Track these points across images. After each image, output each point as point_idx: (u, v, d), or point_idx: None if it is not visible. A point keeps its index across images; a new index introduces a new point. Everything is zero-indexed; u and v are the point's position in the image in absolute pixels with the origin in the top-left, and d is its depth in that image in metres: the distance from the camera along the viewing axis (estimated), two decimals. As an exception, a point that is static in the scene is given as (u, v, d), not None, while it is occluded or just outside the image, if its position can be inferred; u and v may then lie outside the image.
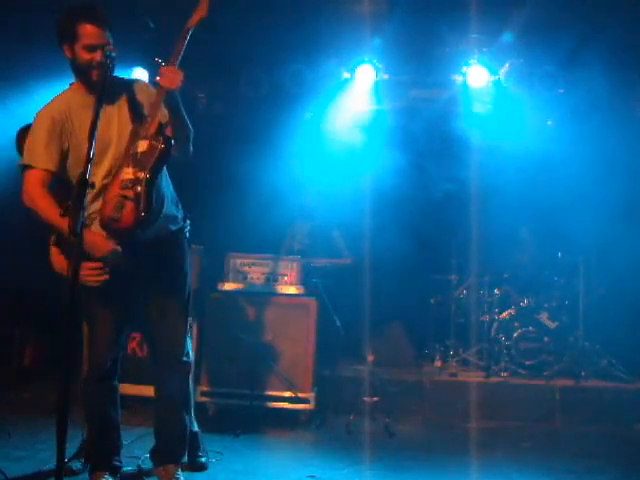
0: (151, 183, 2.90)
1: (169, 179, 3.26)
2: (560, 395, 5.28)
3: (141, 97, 3.12)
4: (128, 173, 2.92)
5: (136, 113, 3.07)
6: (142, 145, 2.93)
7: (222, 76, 6.69)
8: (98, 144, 2.83)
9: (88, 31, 2.91)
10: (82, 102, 3.02)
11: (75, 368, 2.37)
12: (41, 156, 2.98)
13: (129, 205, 2.86)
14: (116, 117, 3.07)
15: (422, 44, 5.93)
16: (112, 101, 3.06)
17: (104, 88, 2.77)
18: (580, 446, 4.55)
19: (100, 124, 2.87)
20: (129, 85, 3.16)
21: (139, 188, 2.87)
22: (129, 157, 2.95)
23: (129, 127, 3.03)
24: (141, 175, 2.89)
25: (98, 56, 2.92)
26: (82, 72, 2.99)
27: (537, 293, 5.99)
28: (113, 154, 3.05)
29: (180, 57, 2.98)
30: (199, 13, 3.04)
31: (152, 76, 5.03)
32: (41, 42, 4.97)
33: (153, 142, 2.91)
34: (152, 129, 2.94)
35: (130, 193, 2.87)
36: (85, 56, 2.94)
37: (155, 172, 2.93)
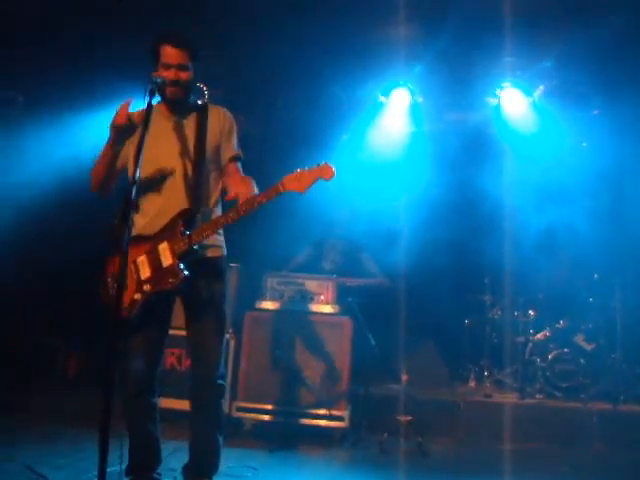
0: (151, 296, 3.06)
1: (219, 203, 3.34)
2: (598, 419, 5.18)
3: (214, 125, 3.26)
4: (143, 264, 3.09)
5: (202, 141, 3.21)
6: (166, 257, 3.05)
7: (260, 98, 6.84)
8: (156, 172, 3.10)
9: (166, 51, 3.13)
10: (156, 119, 3.13)
11: (117, 381, 2.44)
12: None
13: (125, 299, 2.96)
14: (178, 146, 3.21)
15: (456, 67, 5.98)
16: (180, 127, 3.22)
17: (149, 114, 2.89)
18: (618, 471, 4.47)
19: (159, 151, 3.12)
20: (203, 110, 3.29)
21: (138, 296, 3.04)
22: (151, 249, 3.09)
23: (191, 157, 3.18)
24: (147, 287, 3.06)
25: (172, 74, 3.11)
26: (159, 92, 3.14)
27: (572, 314, 5.92)
28: (172, 184, 3.19)
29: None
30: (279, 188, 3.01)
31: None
32: (101, 73, 5.25)
33: (173, 273, 3.02)
34: (184, 247, 3.04)
35: (130, 289, 3.02)
36: (162, 74, 3.13)
37: (159, 292, 3.07)
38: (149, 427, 3.27)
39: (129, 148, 3.20)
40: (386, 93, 6.60)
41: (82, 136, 5.89)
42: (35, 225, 5.76)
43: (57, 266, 6.03)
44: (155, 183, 3.18)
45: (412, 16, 5.48)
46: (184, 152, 3.21)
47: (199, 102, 3.39)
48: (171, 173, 3.19)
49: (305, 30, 5.63)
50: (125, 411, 3.22)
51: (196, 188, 3.18)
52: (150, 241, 3.14)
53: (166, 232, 3.12)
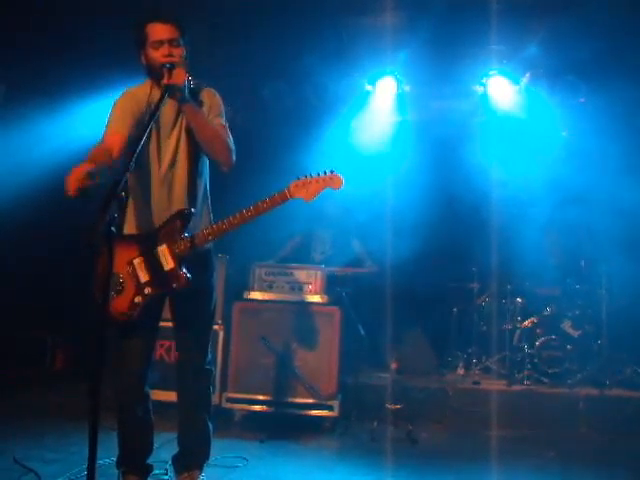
0: (152, 298, 3.00)
1: (209, 199, 3.30)
2: (584, 404, 5.25)
3: (204, 108, 3.13)
4: (140, 266, 3.00)
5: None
6: (167, 260, 2.98)
7: (246, 88, 6.80)
8: (150, 165, 3.00)
9: (154, 29, 2.99)
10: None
11: (106, 372, 2.43)
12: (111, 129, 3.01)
13: (125, 301, 2.96)
14: (175, 137, 3.11)
15: (443, 56, 5.98)
16: (176, 116, 3.10)
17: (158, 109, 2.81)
18: (604, 456, 4.53)
19: (154, 142, 3.02)
20: (196, 94, 3.13)
21: (139, 299, 2.97)
22: (148, 250, 3.00)
23: (187, 150, 3.09)
24: (148, 291, 2.98)
25: (165, 50, 2.97)
26: (152, 74, 3.04)
27: (560, 301, 5.97)
28: (167, 179, 3.11)
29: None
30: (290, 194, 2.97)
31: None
32: (86, 61, 5.20)
33: (176, 277, 2.97)
34: (185, 251, 2.99)
35: (129, 292, 2.97)
36: (153, 54, 3.00)
37: (161, 294, 3.04)
38: (143, 416, 3.26)
39: (136, 128, 2.98)
40: (373, 82, 6.59)
41: (67, 126, 5.84)
42: (22, 218, 5.71)
43: (44, 259, 5.99)
44: (148, 178, 3.09)
45: (398, 4, 5.47)
46: (179, 144, 3.12)
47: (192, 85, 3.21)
48: (166, 167, 3.11)
49: (291, 18, 5.59)
50: (119, 402, 3.20)
51: (191, 184, 3.11)
52: (145, 241, 3.05)
53: (163, 233, 3.03)
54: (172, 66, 2.92)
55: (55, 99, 5.85)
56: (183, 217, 3.04)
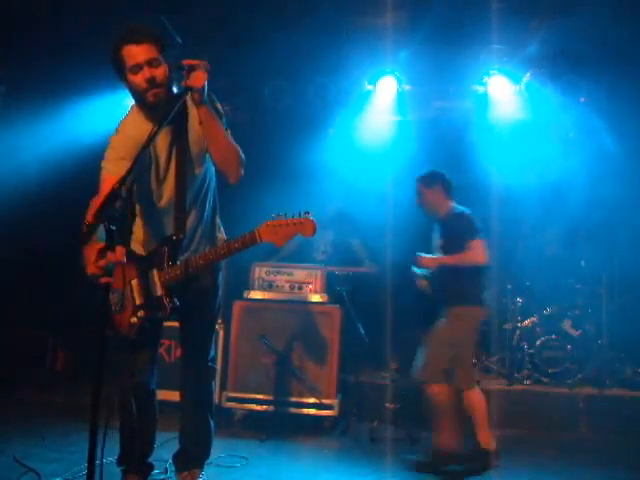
0: (147, 320, 2.98)
1: (217, 208, 3.27)
2: (584, 404, 5.27)
3: (195, 122, 2.93)
4: (136, 288, 2.99)
5: (184, 154, 2.97)
6: (156, 287, 2.95)
7: (246, 88, 6.80)
8: (144, 192, 2.95)
9: (129, 52, 2.76)
10: (136, 128, 2.89)
11: (107, 372, 2.43)
12: (112, 164, 2.89)
13: (125, 320, 2.96)
14: (162, 162, 3.01)
15: (443, 55, 5.98)
16: (164, 138, 2.96)
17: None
18: (604, 455, 4.54)
19: (144, 169, 2.92)
20: (182, 111, 2.91)
21: (135, 320, 2.96)
22: (142, 273, 2.98)
23: (176, 173, 2.99)
24: (141, 314, 2.96)
25: (146, 74, 2.76)
26: (138, 99, 2.88)
27: (560, 301, 5.97)
28: (160, 204, 3.06)
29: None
30: (275, 237, 2.80)
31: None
32: (85, 61, 5.22)
33: (162, 305, 2.93)
34: (170, 280, 2.93)
35: (128, 311, 2.97)
36: (133, 79, 2.79)
37: (151, 318, 3.00)
38: (148, 415, 3.27)
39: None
40: (373, 81, 6.59)
41: (66, 125, 5.85)
42: (23, 218, 5.71)
43: (46, 259, 5.99)
44: (152, 201, 3.06)
45: (399, 4, 5.47)
46: (179, 170, 3.00)
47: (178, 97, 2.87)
48: (167, 192, 3.05)
49: (291, 18, 5.60)
50: (123, 400, 3.19)
51: (182, 209, 3.01)
52: (143, 264, 3.03)
53: (154, 259, 3.01)
54: (191, 68, 2.72)
55: (55, 99, 5.85)
56: (170, 244, 2.99)
